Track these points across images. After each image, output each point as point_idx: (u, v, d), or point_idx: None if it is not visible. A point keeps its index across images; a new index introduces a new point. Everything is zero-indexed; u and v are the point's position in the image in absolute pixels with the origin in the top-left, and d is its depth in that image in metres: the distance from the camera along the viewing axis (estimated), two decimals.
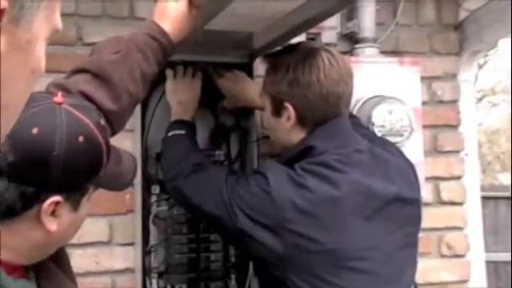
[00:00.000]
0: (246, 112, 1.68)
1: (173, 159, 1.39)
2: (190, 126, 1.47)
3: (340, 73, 1.25)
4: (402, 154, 1.34)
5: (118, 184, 0.99)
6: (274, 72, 1.28)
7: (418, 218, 1.28)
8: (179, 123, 1.46)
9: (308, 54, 1.25)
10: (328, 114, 1.25)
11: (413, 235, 1.27)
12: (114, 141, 0.95)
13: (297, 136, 1.27)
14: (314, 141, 1.24)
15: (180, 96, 1.51)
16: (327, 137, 1.24)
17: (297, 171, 1.21)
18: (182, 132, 1.43)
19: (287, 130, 1.28)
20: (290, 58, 1.27)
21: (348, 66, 1.29)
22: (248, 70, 1.67)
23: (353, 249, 1.17)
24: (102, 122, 0.89)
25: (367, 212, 1.19)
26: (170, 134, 1.44)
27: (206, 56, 1.60)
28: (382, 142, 1.38)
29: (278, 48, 1.42)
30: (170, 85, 1.53)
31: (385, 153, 1.30)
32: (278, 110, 1.29)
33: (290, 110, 1.26)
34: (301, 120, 1.26)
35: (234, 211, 1.20)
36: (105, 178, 0.90)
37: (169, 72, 1.53)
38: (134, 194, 1.64)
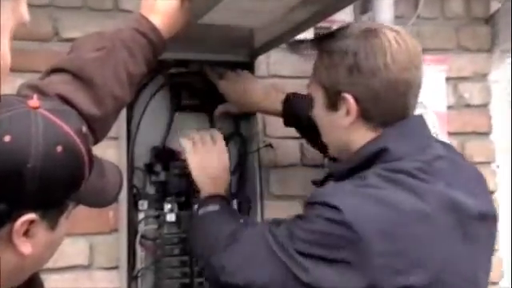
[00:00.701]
0: (246, 117, 1.69)
1: (206, 239, 1.30)
2: (224, 201, 1.41)
3: (409, 56, 1.16)
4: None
5: (102, 200, 1.00)
6: (329, 56, 1.19)
7: (496, 238, 1.22)
8: (212, 198, 1.39)
9: (370, 33, 1.17)
10: (396, 106, 1.17)
11: (491, 259, 1.20)
12: (96, 150, 0.95)
13: (358, 135, 1.19)
14: (387, 142, 1.15)
15: (209, 171, 1.44)
16: (402, 138, 1.16)
17: (369, 180, 1.10)
18: (216, 208, 1.36)
19: (345, 127, 1.20)
20: (347, 39, 1.18)
21: (418, 47, 1.19)
22: (248, 70, 1.69)
23: (450, 283, 1.08)
24: (84, 129, 0.89)
25: (456, 232, 1.11)
26: (200, 212, 1.37)
27: (201, 54, 1.61)
28: (448, 145, 1.31)
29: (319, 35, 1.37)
30: (192, 160, 1.47)
31: (460, 159, 1.24)
32: (333, 103, 1.20)
33: (349, 103, 1.17)
34: (363, 114, 1.17)
35: (301, 264, 1.07)
36: (86, 193, 0.90)
37: (186, 143, 1.49)
38: (118, 211, 1.64)
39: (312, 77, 1.26)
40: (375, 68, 1.14)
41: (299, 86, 1.95)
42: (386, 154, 1.14)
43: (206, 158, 1.46)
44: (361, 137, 1.19)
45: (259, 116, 1.70)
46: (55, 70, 1.04)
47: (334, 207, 1.06)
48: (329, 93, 1.21)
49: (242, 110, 1.62)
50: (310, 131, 1.47)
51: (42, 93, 0.97)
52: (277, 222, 1.19)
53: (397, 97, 1.16)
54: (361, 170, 1.15)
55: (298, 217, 1.15)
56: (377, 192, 1.08)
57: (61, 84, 1.02)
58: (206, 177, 1.45)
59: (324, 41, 1.23)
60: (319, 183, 1.32)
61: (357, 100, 1.17)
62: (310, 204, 1.13)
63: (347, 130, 1.20)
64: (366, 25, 1.21)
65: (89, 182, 0.89)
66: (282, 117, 1.57)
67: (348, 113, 1.18)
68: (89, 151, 0.88)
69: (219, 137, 1.49)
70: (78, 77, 1.03)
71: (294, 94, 1.57)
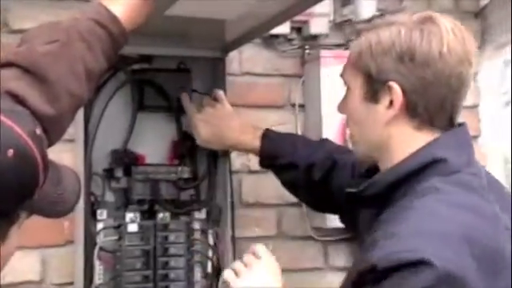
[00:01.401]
0: None
1: None
2: None
3: (465, 49, 1.12)
4: None
5: (58, 210, 0.99)
6: (377, 41, 1.14)
7: None
8: None
9: (426, 19, 1.13)
10: (446, 103, 1.12)
11: None
12: (50, 154, 0.95)
13: (399, 132, 1.14)
14: (446, 151, 1.10)
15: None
16: (459, 147, 1.12)
17: (442, 196, 1.05)
18: None
19: (385, 122, 1.14)
20: (400, 25, 1.14)
21: (474, 43, 1.15)
22: (219, 66, 1.69)
23: None
24: (38, 131, 0.88)
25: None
26: None
27: (166, 49, 1.62)
28: None
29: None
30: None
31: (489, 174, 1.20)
32: (374, 93, 1.15)
33: (395, 93, 1.12)
34: (408, 108, 1.12)
35: None
36: (40, 202, 0.89)
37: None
38: (74, 221, 1.63)
39: (349, 64, 1.20)
40: (430, 56, 1.10)
41: (274, 86, 1.97)
42: (443, 165, 1.09)
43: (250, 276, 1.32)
44: (402, 134, 1.14)
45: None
46: (4, 65, 1.03)
47: (426, 262, 0.94)
48: (371, 82, 1.15)
49: (213, 147, 1.62)
50: (290, 175, 1.48)
51: None
52: None
53: (448, 92, 1.12)
54: (408, 182, 1.10)
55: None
56: (454, 218, 1.02)
57: (10, 80, 1.00)
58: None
59: (372, 25, 1.20)
60: (354, 194, 1.19)
61: (403, 91, 1.12)
62: (384, 272, 0.97)
63: (387, 126, 1.14)
64: (420, 12, 1.16)
65: (43, 189, 0.88)
66: (258, 155, 1.57)
67: (391, 105, 1.13)
68: (43, 156, 0.87)
69: (264, 251, 1.36)
70: (30, 72, 1.01)
71: (273, 131, 1.58)
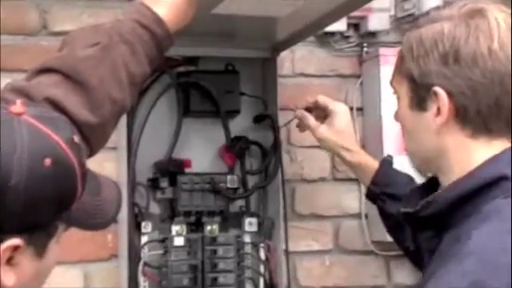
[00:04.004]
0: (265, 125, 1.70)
1: None
2: None
3: None
4: None
5: (97, 222, 0.99)
6: (419, 42, 1.11)
7: None
8: None
9: (473, 12, 1.08)
10: (501, 107, 1.07)
11: None
12: (92, 163, 0.96)
13: (452, 141, 1.10)
14: (508, 167, 1.04)
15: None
16: None
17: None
18: None
19: (435, 131, 1.10)
20: (443, 21, 1.09)
21: None
22: (270, 68, 1.70)
23: None
24: (76, 138, 0.89)
25: None
26: None
27: (214, 49, 1.63)
28: None
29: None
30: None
31: None
32: (421, 100, 1.11)
33: (441, 98, 1.07)
34: (458, 114, 1.07)
35: None
36: (79, 213, 0.90)
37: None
38: (117, 234, 1.65)
39: (396, 69, 1.18)
40: (477, 54, 1.05)
41: (329, 87, 1.96)
42: (504, 183, 1.03)
43: None
44: (456, 144, 1.09)
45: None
46: (43, 70, 1.04)
47: None
48: (416, 87, 1.12)
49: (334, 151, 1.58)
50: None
51: (28, 96, 0.97)
52: None
53: (502, 93, 1.06)
54: (471, 200, 1.04)
55: None
56: None
57: (50, 86, 1.02)
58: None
59: (413, 25, 1.17)
60: (411, 214, 1.14)
61: (450, 96, 1.07)
62: None
63: (438, 135, 1.10)
64: (468, 4, 1.10)
65: (82, 200, 0.89)
66: (372, 178, 1.50)
67: (439, 113, 1.08)
68: (81, 164, 0.88)
69: None
70: (70, 78, 1.03)
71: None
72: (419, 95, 1.11)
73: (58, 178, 0.84)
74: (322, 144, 1.54)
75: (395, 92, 1.18)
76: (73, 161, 0.86)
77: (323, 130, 1.51)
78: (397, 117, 1.20)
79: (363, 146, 2.03)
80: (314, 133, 1.52)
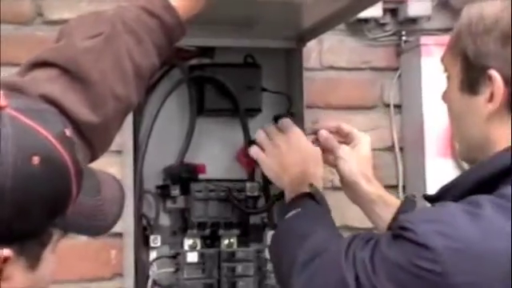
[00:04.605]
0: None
1: (282, 257, 1.31)
2: (308, 200, 1.40)
3: None
4: None
5: (98, 225, 0.99)
6: (479, 19, 1.12)
7: None
8: (294, 201, 1.41)
9: None
10: None
11: None
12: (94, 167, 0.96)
13: (501, 131, 1.12)
14: None
15: (287, 170, 1.47)
16: None
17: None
18: (298, 211, 1.37)
19: (485, 118, 1.12)
20: None
21: None
22: (295, 60, 1.70)
23: None
24: (68, 132, 0.88)
25: None
26: (285, 218, 1.38)
27: (231, 40, 1.63)
28: None
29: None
30: (266, 167, 1.52)
31: None
32: (473, 83, 1.13)
33: (496, 84, 1.09)
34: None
35: None
36: (76, 217, 0.90)
37: (255, 152, 1.53)
38: (123, 249, 1.65)
39: (449, 46, 1.19)
40: None
41: (362, 82, 1.95)
42: None
43: (279, 156, 1.49)
44: (504, 136, 1.11)
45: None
46: (38, 64, 1.05)
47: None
48: (469, 68, 1.13)
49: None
50: None
51: (22, 93, 0.97)
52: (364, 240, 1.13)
53: None
54: (493, 185, 1.06)
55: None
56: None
57: (46, 82, 1.02)
58: (287, 179, 1.47)
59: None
60: (433, 198, 1.20)
61: (506, 81, 1.08)
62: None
63: (487, 123, 1.12)
64: None
65: (78, 201, 0.89)
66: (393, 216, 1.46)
67: (491, 98, 1.10)
68: (75, 161, 0.87)
69: (288, 124, 1.51)
70: (69, 72, 1.03)
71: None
72: (472, 77, 1.12)
73: (49, 178, 0.84)
74: (340, 165, 1.50)
75: (446, 71, 1.19)
76: (65, 158, 0.85)
77: (347, 150, 1.50)
78: (445, 97, 1.21)
79: (401, 149, 2.03)
80: (335, 151, 1.50)
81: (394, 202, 1.47)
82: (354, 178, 1.49)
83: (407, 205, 1.46)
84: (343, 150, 1.49)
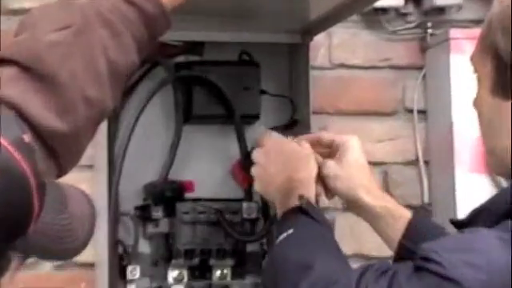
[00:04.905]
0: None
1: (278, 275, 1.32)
2: (300, 216, 1.38)
3: None
4: None
5: (65, 247, 0.99)
6: None
7: None
8: (286, 218, 1.39)
9: None
10: None
11: None
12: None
13: None
14: None
15: (275, 181, 1.46)
16: None
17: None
18: (289, 232, 1.35)
19: None
20: None
21: None
22: (300, 57, 1.71)
23: None
24: (27, 137, 0.88)
25: None
26: (277, 242, 1.39)
27: (225, 33, 1.64)
28: None
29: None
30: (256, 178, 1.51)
31: None
32: (506, 85, 1.15)
33: None
34: None
35: None
36: (39, 237, 0.90)
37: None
38: (95, 282, 1.65)
39: (479, 42, 1.21)
40: None
41: (380, 83, 1.96)
42: None
43: (261, 172, 1.48)
44: None
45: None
46: None
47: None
48: (502, 68, 1.14)
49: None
50: None
51: None
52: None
53: None
54: None
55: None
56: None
57: (5, 83, 1.03)
58: (273, 191, 1.45)
59: None
60: (463, 223, 1.22)
61: None
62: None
63: None
64: None
65: (41, 219, 0.89)
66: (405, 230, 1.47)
67: None
68: (36, 172, 0.87)
69: (263, 136, 1.51)
70: (31, 71, 1.04)
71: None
72: (505, 78, 1.13)
73: (5, 192, 0.85)
74: (330, 184, 1.49)
75: (475, 71, 1.20)
76: (24, 168, 0.86)
77: (331, 164, 1.48)
78: (475, 102, 1.22)
79: (426, 163, 2.03)
80: (320, 170, 1.48)
81: (403, 214, 1.45)
82: (350, 193, 1.47)
83: (420, 217, 1.45)
84: (328, 167, 1.48)
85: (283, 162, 1.46)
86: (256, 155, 1.49)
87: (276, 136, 1.52)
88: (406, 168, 2.04)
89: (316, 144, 1.52)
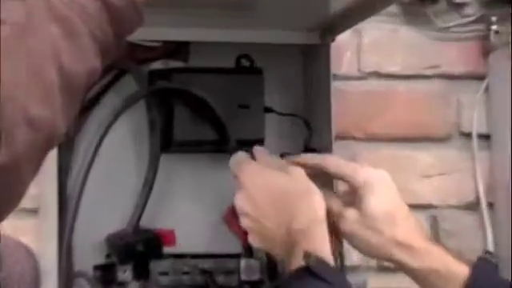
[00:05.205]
0: None
1: None
2: (309, 276, 1.35)
3: None
4: None
5: None
6: None
7: None
8: (290, 283, 1.39)
9: None
10: None
11: None
12: None
13: None
14: None
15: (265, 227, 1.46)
16: None
17: None
18: None
19: None
20: None
21: None
22: (318, 62, 1.72)
23: None
24: None
25: None
26: None
27: (218, 31, 1.64)
28: None
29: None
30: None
31: None
32: None
33: None
34: None
35: None
36: None
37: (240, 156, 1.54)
38: None
39: None
40: None
41: (426, 97, 1.98)
42: None
43: (258, 213, 1.46)
44: None
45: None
46: None
47: None
48: None
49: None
50: None
51: None
52: None
53: None
54: None
55: None
56: None
57: None
58: (277, 247, 1.45)
59: None
60: None
61: None
62: None
63: None
64: None
65: None
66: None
67: None
68: None
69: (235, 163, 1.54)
70: None
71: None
72: None
73: None
74: (354, 244, 1.50)
75: None
76: None
77: (352, 215, 1.49)
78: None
79: (490, 205, 2.05)
80: (338, 223, 1.49)
81: (458, 272, 1.43)
82: (380, 252, 1.48)
83: (481, 268, 1.45)
84: (346, 221, 1.48)
85: (276, 208, 1.44)
86: (239, 203, 1.47)
87: (251, 163, 1.51)
88: (463, 213, 2.05)
89: (318, 174, 1.52)
